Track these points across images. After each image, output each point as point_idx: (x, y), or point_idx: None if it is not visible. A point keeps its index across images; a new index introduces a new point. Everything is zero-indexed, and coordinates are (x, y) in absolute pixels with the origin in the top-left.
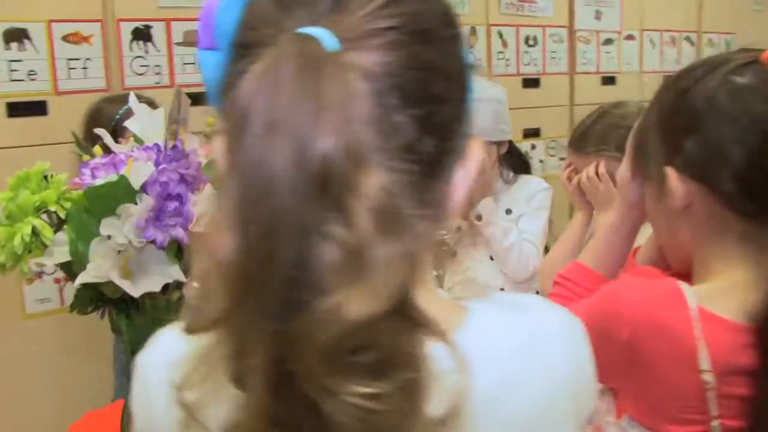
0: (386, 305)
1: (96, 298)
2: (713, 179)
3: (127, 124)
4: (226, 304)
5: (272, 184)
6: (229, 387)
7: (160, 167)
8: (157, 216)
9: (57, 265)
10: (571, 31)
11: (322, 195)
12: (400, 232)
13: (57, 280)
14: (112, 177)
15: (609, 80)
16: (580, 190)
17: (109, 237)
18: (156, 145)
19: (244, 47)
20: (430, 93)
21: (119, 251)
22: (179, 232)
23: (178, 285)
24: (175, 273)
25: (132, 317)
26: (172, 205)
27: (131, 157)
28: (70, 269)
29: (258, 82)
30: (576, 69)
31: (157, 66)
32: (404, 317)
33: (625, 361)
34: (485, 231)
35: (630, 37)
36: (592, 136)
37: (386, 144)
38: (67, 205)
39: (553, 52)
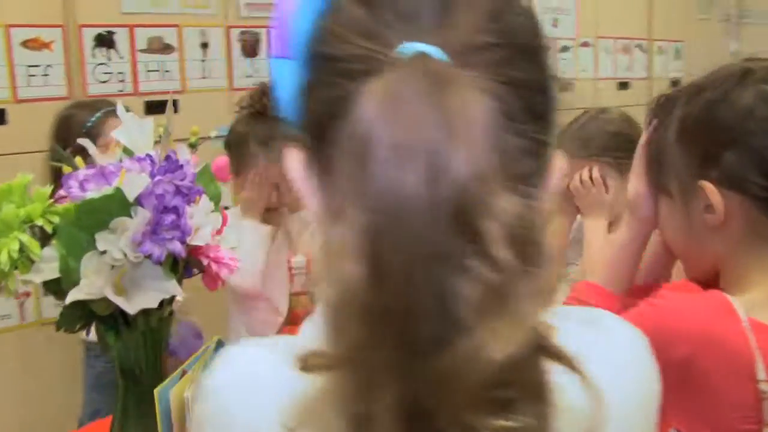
0: (528, 340)
1: (84, 315)
2: (755, 190)
3: (115, 134)
4: (354, 340)
5: (406, 212)
6: (344, 428)
7: (156, 179)
8: (154, 230)
9: (42, 282)
10: None
11: (459, 223)
12: (536, 261)
13: (17, 296)
14: (108, 189)
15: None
16: (566, 194)
17: (103, 252)
18: (148, 155)
19: (334, 60)
20: (534, 109)
21: (113, 267)
22: (177, 246)
23: (170, 300)
24: (171, 288)
25: (122, 334)
26: (169, 218)
27: (123, 168)
28: (57, 286)
29: (381, 105)
30: None
31: (120, 73)
32: (538, 348)
33: (676, 377)
34: None
35: (585, 44)
36: (579, 141)
37: (510, 166)
38: (54, 218)
39: None
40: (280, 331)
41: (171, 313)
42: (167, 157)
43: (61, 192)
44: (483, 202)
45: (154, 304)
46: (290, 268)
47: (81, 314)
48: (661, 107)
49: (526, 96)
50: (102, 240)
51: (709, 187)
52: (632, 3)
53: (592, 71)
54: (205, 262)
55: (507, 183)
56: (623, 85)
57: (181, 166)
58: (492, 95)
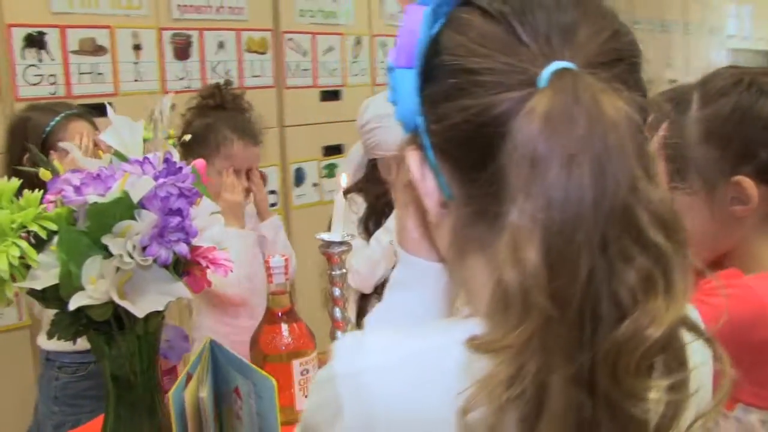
0: (681, 314)
1: (76, 322)
2: None
3: (103, 136)
4: (537, 319)
5: (577, 209)
6: (513, 406)
7: (160, 181)
8: (161, 232)
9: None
10: None
11: (619, 215)
12: (682, 242)
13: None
14: (114, 193)
15: None
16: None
17: (108, 256)
18: (146, 158)
19: (471, 72)
20: (647, 117)
21: (118, 270)
22: (183, 248)
23: None
24: (178, 290)
25: (116, 340)
26: (175, 220)
27: (126, 171)
28: (48, 293)
29: (550, 120)
30: None
31: (52, 75)
32: (681, 320)
33: (753, 358)
34: None
35: None
36: None
37: (646, 163)
38: (48, 224)
39: None
40: (260, 330)
41: (163, 317)
42: (166, 160)
43: (49, 197)
44: (637, 195)
45: (161, 307)
46: (268, 268)
47: (73, 321)
48: (674, 110)
49: (643, 103)
50: (112, 244)
51: (747, 181)
52: None
53: None
54: (203, 263)
55: (647, 178)
56: None
57: (180, 168)
58: (629, 104)
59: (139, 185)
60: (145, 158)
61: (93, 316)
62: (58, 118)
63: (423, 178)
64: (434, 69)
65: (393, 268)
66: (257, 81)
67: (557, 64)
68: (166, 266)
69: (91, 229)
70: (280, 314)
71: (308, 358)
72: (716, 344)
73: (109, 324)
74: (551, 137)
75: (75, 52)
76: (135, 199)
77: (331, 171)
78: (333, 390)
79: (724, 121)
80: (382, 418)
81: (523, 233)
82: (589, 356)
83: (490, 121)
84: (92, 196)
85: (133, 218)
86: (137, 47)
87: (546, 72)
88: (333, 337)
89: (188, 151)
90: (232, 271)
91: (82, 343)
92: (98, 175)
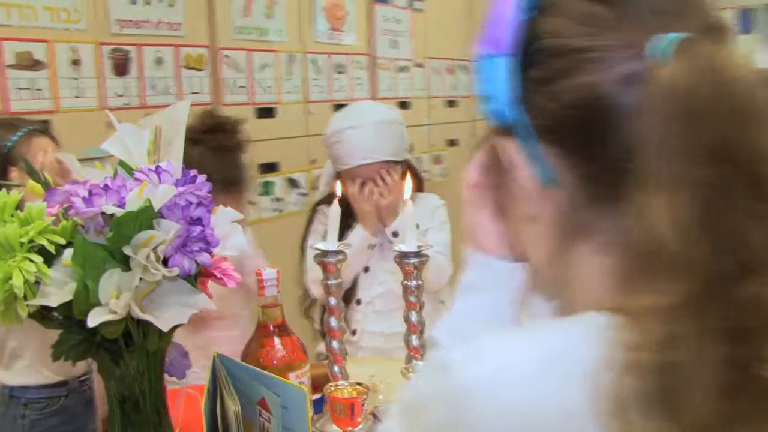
0: None
1: (88, 340)
2: None
3: (106, 146)
4: (688, 280)
5: (715, 168)
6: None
7: (179, 190)
8: (184, 242)
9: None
10: (373, 59)
11: (750, 173)
12: None
13: None
14: (135, 202)
15: (403, 105)
16: None
17: (127, 269)
18: (158, 167)
19: (579, 51)
20: None
21: (140, 283)
22: (205, 258)
23: None
24: (201, 301)
25: (124, 358)
26: (197, 229)
27: (143, 180)
28: (61, 311)
29: (674, 86)
30: (378, 94)
31: None
32: None
33: None
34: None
35: (420, 65)
36: None
37: None
38: (55, 237)
39: (358, 78)
40: (254, 344)
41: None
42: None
43: (50, 209)
44: (763, 155)
45: (185, 320)
46: (260, 280)
47: (85, 340)
48: None
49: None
50: (139, 255)
51: None
52: (455, 28)
53: (425, 90)
54: (218, 274)
55: None
56: (451, 103)
57: (195, 177)
58: (746, 63)
59: (158, 194)
60: (158, 167)
61: (105, 334)
62: (20, 133)
63: (519, 168)
64: (534, 54)
65: (356, 277)
66: (195, 98)
67: (671, 36)
68: (187, 277)
69: (111, 241)
70: (272, 327)
71: (303, 370)
72: None
73: (117, 342)
74: (679, 102)
75: (12, 66)
76: (156, 208)
77: (267, 188)
78: (476, 400)
79: None
80: (519, 420)
81: (671, 191)
82: (728, 318)
83: (607, 95)
84: (109, 207)
85: (151, 228)
86: (76, 62)
87: (661, 42)
88: (329, 346)
89: (225, 191)
90: (238, 283)
91: (52, 376)
92: (106, 185)
